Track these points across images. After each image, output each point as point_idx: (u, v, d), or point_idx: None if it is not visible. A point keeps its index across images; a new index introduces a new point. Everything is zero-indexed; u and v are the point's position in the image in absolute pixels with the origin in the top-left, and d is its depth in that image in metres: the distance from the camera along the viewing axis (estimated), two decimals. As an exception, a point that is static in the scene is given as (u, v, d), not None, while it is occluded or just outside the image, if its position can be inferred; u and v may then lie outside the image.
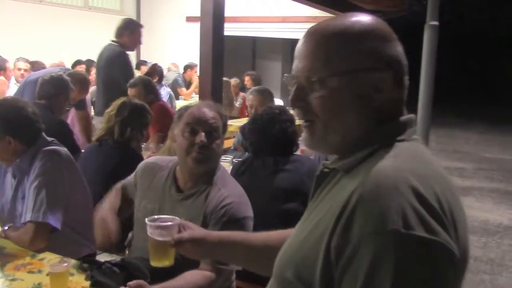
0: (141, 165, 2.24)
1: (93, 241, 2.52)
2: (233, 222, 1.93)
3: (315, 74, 1.01)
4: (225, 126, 2.08)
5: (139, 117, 3.09)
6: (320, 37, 1.02)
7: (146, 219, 1.44)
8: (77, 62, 8.38)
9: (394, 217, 0.81)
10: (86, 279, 1.84)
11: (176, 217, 1.43)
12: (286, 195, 2.53)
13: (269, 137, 2.68)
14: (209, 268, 1.87)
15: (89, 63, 8.19)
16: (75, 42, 8.94)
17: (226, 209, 1.94)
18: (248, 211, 1.99)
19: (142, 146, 3.84)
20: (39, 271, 1.93)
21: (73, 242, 2.39)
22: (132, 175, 2.24)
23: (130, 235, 2.41)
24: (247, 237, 1.42)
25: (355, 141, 1.00)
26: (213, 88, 4.41)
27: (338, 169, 1.03)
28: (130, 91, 4.38)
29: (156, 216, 1.46)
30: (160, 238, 1.41)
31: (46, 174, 2.24)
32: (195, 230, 1.42)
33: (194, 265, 1.87)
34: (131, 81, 4.38)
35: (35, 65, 6.43)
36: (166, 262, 1.45)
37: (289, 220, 2.52)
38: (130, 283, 1.62)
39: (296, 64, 1.06)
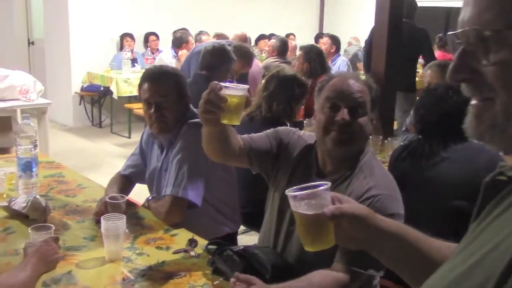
0: (285, 131, 1.87)
1: (234, 220, 2.39)
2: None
3: (491, 25, 0.65)
4: (374, 101, 1.72)
5: (286, 90, 2.85)
6: None
7: (287, 191, 1.05)
8: (261, 37, 8.54)
9: None
10: (208, 264, 1.69)
11: (327, 182, 1.04)
12: (456, 190, 2.07)
13: (444, 110, 2.18)
14: (342, 269, 1.55)
15: (270, 37, 8.27)
16: (259, 17, 9.10)
17: (370, 201, 1.58)
18: (398, 207, 1.61)
19: (305, 122, 3.63)
20: (167, 248, 1.84)
21: (212, 219, 2.27)
22: (269, 136, 1.84)
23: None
24: (423, 238, 1.02)
25: None
26: (388, 61, 4.00)
27: None
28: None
29: (296, 187, 1.05)
30: (310, 212, 1.01)
31: (189, 148, 2.12)
32: (356, 205, 1.04)
33: (325, 263, 1.58)
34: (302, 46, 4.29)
35: (220, 38, 6.61)
36: (324, 244, 1.03)
37: (457, 220, 2.09)
38: (239, 274, 1.41)
39: (463, 15, 0.70)
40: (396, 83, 4.24)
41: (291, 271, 1.62)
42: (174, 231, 1.99)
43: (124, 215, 1.77)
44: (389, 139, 3.44)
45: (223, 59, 3.41)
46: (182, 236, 1.94)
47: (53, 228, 1.73)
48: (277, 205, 1.80)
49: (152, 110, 2.15)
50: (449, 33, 0.73)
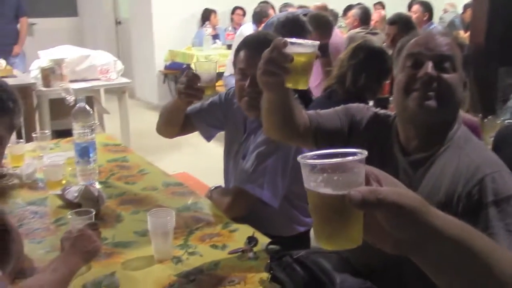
0: (358, 107, 1.58)
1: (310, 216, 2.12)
2: (504, 201, 1.21)
3: None
4: (467, 61, 1.37)
5: (377, 62, 2.51)
6: None
7: (299, 157, 0.69)
8: (349, 7, 8.05)
9: None
10: (265, 269, 1.45)
11: (362, 150, 0.71)
12: None
13: None
14: None
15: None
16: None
17: (484, 184, 1.23)
18: None
19: (390, 99, 3.27)
20: (223, 247, 1.63)
21: (287, 217, 2.02)
22: (339, 113, 1.56)
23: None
24: (495, 248, 0.73)
25: None
26: (489, 25, 3.50)
27: None
28: (389, 29, 4.07)
29: (313, 153, 0.71)
30: (331, 191, 0.67)
31: (278, 142, 1.79)
32: (401, 190, 0.70)
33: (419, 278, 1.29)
34: (390, 18, 3.91)
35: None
36: (347, 242, 0.69)
37: None
38: None
39: None
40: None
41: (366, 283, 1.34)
42: (235, 226, 1.78)
43: (172, 210, 1.58)
44: (489, 117, 3.00)
45: (297, 32, 3.10)
46: (243, 232, 1.72)
47: (94, 212, 1.57)
48: None
49: (247, 83, 1.86)
50: None
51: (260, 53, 1.78)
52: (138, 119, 5.91)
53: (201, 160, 4.95)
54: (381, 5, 8.28)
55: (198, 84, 1.87)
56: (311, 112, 1.55)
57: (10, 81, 4.19)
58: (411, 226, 0.66)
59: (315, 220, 0.70)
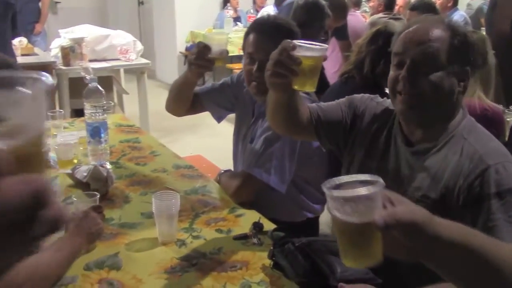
0: (362, 98, 1.56)
1: (318, 202, 2.09)
2: (508, 193, 1.18)
3: None
4: (458, 50, 1.29)
5: None
6: None
7: (323, 185, 0.80)
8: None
9: None
10: (268, 256, 1.44)
11: (378, 177, 0.79)
12: None
13: None
14: None
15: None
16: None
17: (487, 174, 1.20)
18: None
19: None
20: (228, 232, 1.63)
21: (294, 203, 2.00)
22: (342, 105, 1.55)
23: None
24: (492, 245, 0.86)
25: None
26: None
27: None
28: (410, 15, 4.00)
29: (338, 178, 0.82)
30: (356, 220, 0.77)
31: None
32: (411, 207, 0.83)
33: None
34: (412, 4, 3.82)
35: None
36: (371, 260, 0.81)
37: None
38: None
39: None
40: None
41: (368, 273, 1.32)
42: (241, 211, 1.77)
43: (177, 193, 1.58)
44: (510, 107, 2.92)
45: (317, 15, 3.04)
46: (248, 218, 1.71)
47: (98, 195, 1.58)
48: None
49: (254, 68, 1.83)
50: None
51: (269, 37, 1.76)
52: (158, 100, 5.90)
53: (217, 143, 4.95)
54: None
55: (209, 56, 1.85)
56: (312, 105, 1.55)
57: (31, 59, 4.26)
58: (422, 237, 0.79)
59: (341, 243, 0.81)
